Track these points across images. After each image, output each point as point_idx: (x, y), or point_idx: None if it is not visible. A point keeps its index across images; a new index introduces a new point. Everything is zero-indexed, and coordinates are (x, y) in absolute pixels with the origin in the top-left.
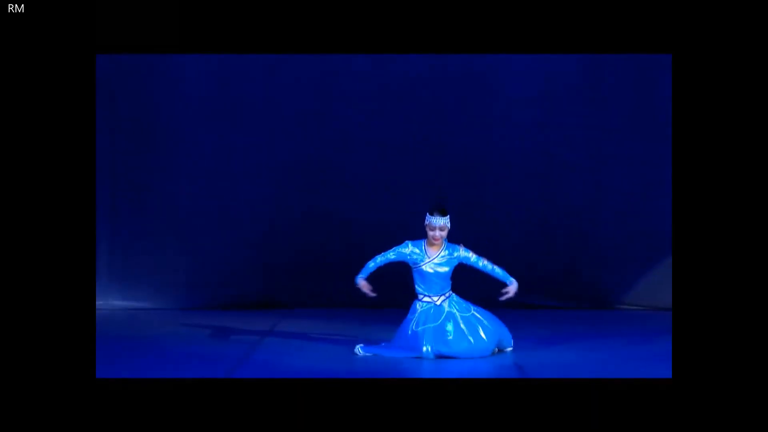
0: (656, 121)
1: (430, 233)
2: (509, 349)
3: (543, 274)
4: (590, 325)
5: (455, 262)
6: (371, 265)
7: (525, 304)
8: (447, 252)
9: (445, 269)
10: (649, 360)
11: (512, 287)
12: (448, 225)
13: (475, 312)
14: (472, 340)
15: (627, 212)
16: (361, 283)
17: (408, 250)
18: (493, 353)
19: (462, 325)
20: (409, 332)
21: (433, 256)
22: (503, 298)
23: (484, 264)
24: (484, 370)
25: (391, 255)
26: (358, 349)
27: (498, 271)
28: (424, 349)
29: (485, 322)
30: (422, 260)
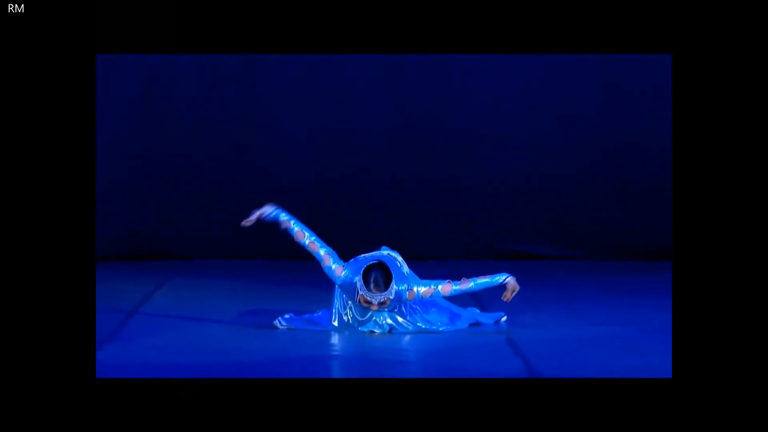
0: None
1: (364, 304)
2: (503, 318)
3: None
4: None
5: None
6: (291, 223)
7: (527, 254)
8: (392, 306)
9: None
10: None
11: (510, 282)
12: (392, 296)
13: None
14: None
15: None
16: (258, 213)
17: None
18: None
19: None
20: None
21: (369, 314)
22: (509, 298)
23: (454, 289)
24: (484, 368)
25: (320, 251)
26: (280, 321)
27: (481, 282)
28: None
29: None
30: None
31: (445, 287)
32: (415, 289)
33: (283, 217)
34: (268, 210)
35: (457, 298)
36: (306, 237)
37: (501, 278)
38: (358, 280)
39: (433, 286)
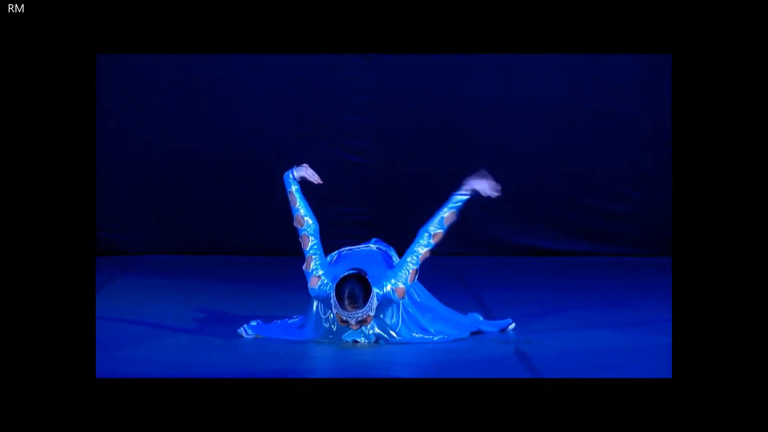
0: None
1: (342, 323)
2: (511, 326)
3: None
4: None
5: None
6: (298, 203)
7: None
8: (381, 311)
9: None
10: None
11: (481, 184)
12: (372, 312)
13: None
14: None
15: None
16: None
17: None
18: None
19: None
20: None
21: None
22: (491, 194)
23: (428, 239)
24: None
25: (308, 248)
26: (245, 329)
27: (450, 205)
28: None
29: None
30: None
31: (425, 253)
32: (400, 283)
33: (295, 192)
34: (296, 173)
35: (457, 304)
36: (304, 225)
37: (463, 196)
38: (332, 296)
39: (413, 267)
